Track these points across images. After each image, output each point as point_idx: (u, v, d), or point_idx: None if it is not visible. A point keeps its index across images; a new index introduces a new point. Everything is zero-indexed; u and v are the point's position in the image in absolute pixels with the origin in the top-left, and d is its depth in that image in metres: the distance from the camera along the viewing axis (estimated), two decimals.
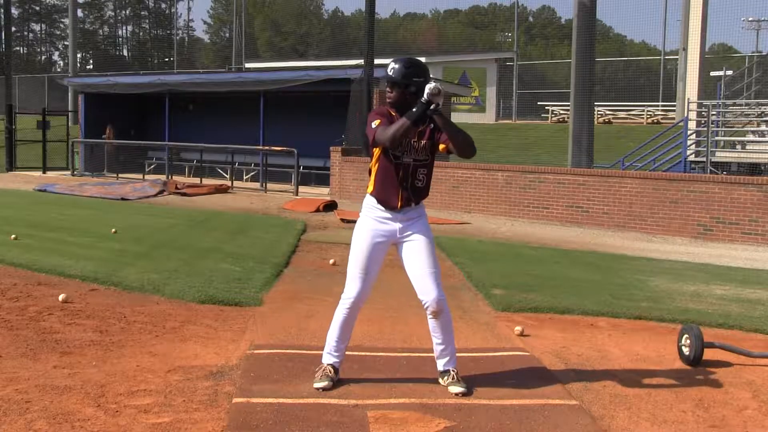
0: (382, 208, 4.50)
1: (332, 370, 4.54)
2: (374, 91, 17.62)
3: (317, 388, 4.43)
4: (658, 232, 12.73)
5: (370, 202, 4.56)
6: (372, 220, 4.53)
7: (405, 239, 4.51)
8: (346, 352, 4.68)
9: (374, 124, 4.41)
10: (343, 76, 18.63)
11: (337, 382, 4.51)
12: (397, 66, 4.45)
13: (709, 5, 19.30)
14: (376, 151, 4.53)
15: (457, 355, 4.66)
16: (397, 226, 4.50)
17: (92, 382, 4.49)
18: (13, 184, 19.35)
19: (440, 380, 4.58)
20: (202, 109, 22.79)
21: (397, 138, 4.31)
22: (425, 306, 4.47)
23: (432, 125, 4.48)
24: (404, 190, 4.48)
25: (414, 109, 4.28)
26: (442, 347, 4.56)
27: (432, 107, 4.27)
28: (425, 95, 4.25)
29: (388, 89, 4.51)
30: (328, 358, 4.60)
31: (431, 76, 4.49)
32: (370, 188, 4.56)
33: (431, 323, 4.52)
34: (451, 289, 7.65)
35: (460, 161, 17.81)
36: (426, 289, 4.43)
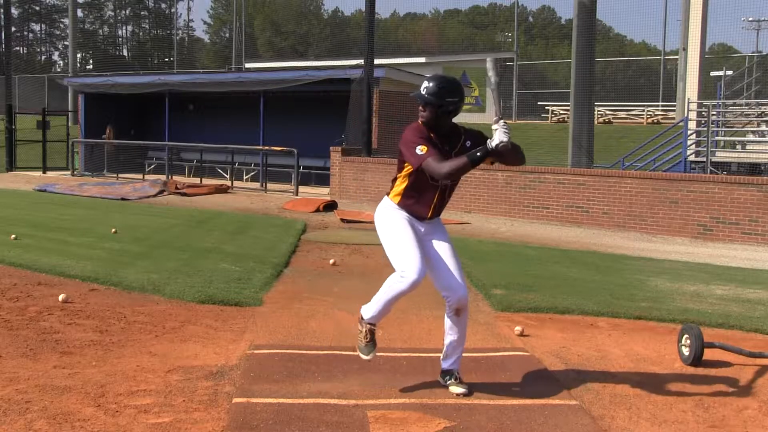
0: (407, 215, 4.49)
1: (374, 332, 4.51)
2: (374, 91, 17.63)
3: (367, 359, 4.47)
4: (658, 232, 12.73)
5: (392, 205, 4.51)
6: (399, 212, 4.49)
7: (427, 240, 4.50)
8: (346, 353, 4.68)
9: (420, 150, 4.24)
10: (343, 76, 18.63)
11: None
12: (430, 85, 4.33)
13: (709, 5, 19.30)
14: (409, 167, 4.39)
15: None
16: (421, 228, 4.51)
17: (92, 382, 4.49)
18: (13, 184, 19.35)
19: (441, 379, 4.57)
20: (202, 109, 22.79)
21: (455, 177, 4.30)
22: (448, 302, 4.42)
23: (469, 143, 4.39)
24: (435, 206, 4.50)
25: (479, 154, 4.14)
26: (452, 347, 4.53)
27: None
28: (494, 145, 4.08)
29: (420, 108, 4.39)
30: (375, 318, 4.48)
31: (498, 119, 4.14)
32: (397, 199, 4.49)
33: (450, 321, 4.48)
34: None
35: None
36: (452, 285, 4.39)
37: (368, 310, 4.49)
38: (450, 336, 4.52)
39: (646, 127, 29.23)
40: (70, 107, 32.99)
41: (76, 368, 4.76)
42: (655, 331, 6.18)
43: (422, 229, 4.50)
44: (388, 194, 4.57)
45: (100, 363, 4.89)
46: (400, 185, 4.48)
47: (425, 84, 4.37)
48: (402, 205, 4.47)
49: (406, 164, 4.40)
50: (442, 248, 4.49)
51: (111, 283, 7.26)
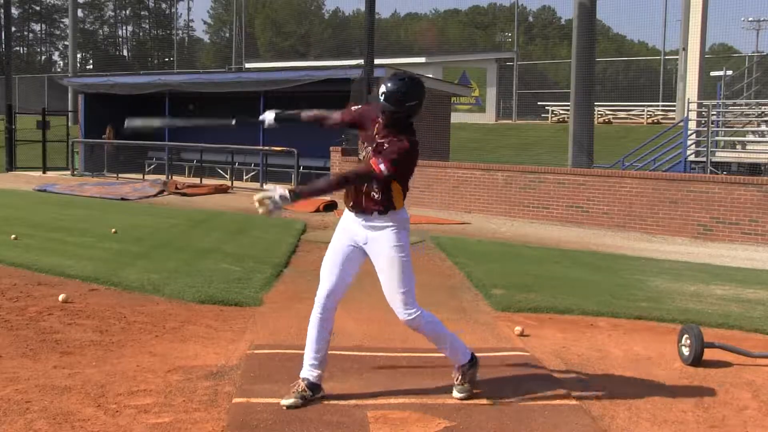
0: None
1: None
2: (374, 91, 17.64)
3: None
4: (658, 232, 12.73)
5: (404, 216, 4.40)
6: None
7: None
8: (346, 353, 4.67)
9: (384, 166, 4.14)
10: (343, 76, 18.61)
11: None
12: (389, 87, 4.12)
13: (709, 5, 19.32)
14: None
15: None
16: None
17: (92, 382, 4.49)
18: (13, 184, 19.34)
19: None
20: (202, 109, 22.78)
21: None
22: None
23: (386, 145, 4.18)
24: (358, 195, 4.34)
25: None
26: (441, 352, 4.52)
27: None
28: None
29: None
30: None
31: None
32: (400, 203, 4.33)
33: None
34: (451, 289, 7.67)
35: (460, 161, 17.83)
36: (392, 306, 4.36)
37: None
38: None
39: (646, 127, 29.25)
40: (70, 107, 32.99)
41: (76, 368, 4.76)
42: (655, 331, 6.17)
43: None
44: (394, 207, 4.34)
45: (100, 363, 4.89)
46: (396, 189, 4.34)
47: (383, 88, 4.14)
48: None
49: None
50: (379, 262, 4.44)
51: (111, 283, 7.25)
